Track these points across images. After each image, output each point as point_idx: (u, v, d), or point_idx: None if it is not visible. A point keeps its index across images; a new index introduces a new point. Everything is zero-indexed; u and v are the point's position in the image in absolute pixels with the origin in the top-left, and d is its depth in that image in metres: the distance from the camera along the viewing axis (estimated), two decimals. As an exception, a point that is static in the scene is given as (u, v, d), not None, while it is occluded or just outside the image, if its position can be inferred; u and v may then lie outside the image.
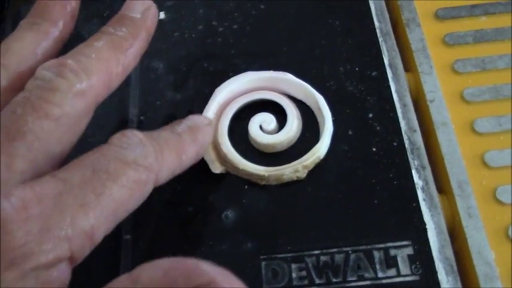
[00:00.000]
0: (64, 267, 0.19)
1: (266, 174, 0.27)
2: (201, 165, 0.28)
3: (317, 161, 0.28)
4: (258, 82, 0.31)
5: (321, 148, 0.28)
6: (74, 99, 0.21)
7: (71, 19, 0.25)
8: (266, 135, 0.29)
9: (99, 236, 0.20)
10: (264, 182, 0.28)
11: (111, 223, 0.20)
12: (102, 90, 0.23)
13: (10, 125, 0.20)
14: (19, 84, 0.22)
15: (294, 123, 0.29)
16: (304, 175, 0.28)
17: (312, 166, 0.28)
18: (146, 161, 0.21)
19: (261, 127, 0.29)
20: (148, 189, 0.21)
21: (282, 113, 0.30)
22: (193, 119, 0.25)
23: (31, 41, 0.23)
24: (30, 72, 0.22)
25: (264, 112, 0.30)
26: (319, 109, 0.29)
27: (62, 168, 0.20)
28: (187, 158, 0.23)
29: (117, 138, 0.21)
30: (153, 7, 0.25)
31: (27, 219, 0.18)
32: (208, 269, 0.18)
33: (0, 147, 0.20)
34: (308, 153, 0.28)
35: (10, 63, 0.22)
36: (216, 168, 0.28)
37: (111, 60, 0.23)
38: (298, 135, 0.29)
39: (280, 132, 0.29)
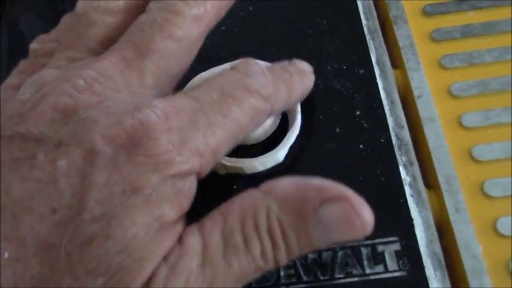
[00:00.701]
0: (193, 179, 0.21)
1: (229, 164, 0.27)
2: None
3: (275, 162, 0.28)
4: None
5: (280, 152, 0.28)
6: (193, 23, 0.23)
7: None
8: None
9: (221, 154, 0.21)
10: (224, 171, 0.28)
11: (230, 144, 0.22)
12: (214, 17, 0.24)
13: (140, 42, 0.22)
14: (140, 4, 0.24)
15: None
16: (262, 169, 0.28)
17: (269, 166, 0.28)
18: (266, 91, 0.22)
19: None
20: (264, 117, 0.23)
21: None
22: (300, 64, 0.26)
23: None
24: None
25: None
26: (294, 109, 0.29)
27: (194, 88, 0.22)
28: (295, 96, 0.25)
29: (242, 65, 0.23)
30: None
31: (169, 130, 0.19)
32: (339, 186, 0.20)
33: (132, 63, 0.21)
34: (267, 154, 0.28)
35: None
36: None
37: None
38: (274, 128, 0.29)
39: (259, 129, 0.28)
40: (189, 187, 0.20)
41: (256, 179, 0.28)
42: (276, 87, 0.23)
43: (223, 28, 0.34)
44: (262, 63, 0.24)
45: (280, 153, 0.28)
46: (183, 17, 0.22)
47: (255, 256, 0.19)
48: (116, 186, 0.18)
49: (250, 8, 0.35)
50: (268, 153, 0.28)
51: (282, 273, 0.26)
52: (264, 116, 0.23)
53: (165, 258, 0.19)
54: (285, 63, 0.26)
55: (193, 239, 0.19)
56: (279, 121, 0.30)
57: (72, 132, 0.19)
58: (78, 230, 0.18)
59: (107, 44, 0.23)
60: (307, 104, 0.30)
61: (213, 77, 0.22)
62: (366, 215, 0.19)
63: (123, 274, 0.18)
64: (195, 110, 0.20)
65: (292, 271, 0.26)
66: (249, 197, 0.20)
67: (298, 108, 0.29)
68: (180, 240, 0.20)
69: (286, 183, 0.20)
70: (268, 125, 0.29)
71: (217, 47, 0.33)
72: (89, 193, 0.18)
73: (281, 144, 0.28)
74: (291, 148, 0.29)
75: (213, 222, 0.20)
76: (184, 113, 0.20)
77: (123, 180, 0.18)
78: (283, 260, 0.19)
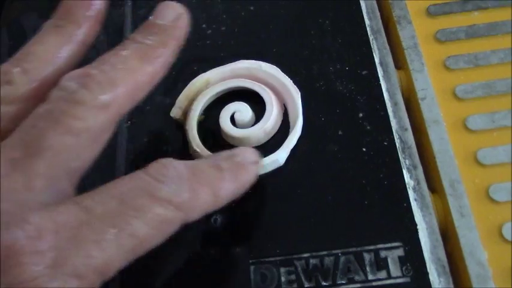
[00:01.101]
0: None
1: None
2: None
3: (276, 166, 0.28)
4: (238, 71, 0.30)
5: (281, 155, 0.27)
6: (97, 112, 0.20)
7: (96, 21, 0.23)
8: (236, 128, 0.28)
9: (112, 272, 0.19)
10: None
11: (126, 260, 0.19)
12: (127, 102, 0.21)
13: (30, 140, 0.19)
14: (41, 92, 0.21)
15: (272, 115, 0.28)
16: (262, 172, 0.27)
17: (269, 169, 0.27)
18: (179, 198, 0.20)
19: (234, 119, 0.28)
20: (173, 228, 0.20)
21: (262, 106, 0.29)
22: (243, 154, 0.23)
23: (54, 45, 0.22)
24: (53, 79, 0.21)
25: (238, 101, 0.29)
26: (294, 107, 0.28)
27: (87, 195, 0.19)
28: (222, 198, 0.22)
29: (155, 168, 0.20)
30: (185, 14, 0.24)
31: (39, 252, 0.17)
32: None
33: (18, 165, 0.19)
34: (268, 157, 0.27)
35: (32, 68, 0.21)
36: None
37: (137, 70, 0.21)
38: (275, 130, 0.29)
39: (255, 126, 0.28)
40: None
41: (257, 181, 0.28)
42: (194, 192, 0.20)
43: (223, 28, 0.34)
44: (182, 165, 0.21)
45: (280, 156, 0.27)
46: (85, 107, 0.20)
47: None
48: None
49: (252, 8, 0.34)
50: (269, 156, 0.27)
51: (283, 278, 0.25)
52: (174, 226, 0.20)
53: None
54: (221, 155, 0.23)
55: None
56: (280, 123, 0.29)
57: None
58: None
59: (2, 137, 0.20)
60: (309, 106, 0.30)
61: (116, 181, 0.20)
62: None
63: None
64: (82, 223, 0.18)
65: (293, 277, 0.25)
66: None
67: (300, 110, 0.28)
68: None
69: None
70: (270, 127, 0.28)
71: (218, 48, 0.33)
72: None
73: (282, 147, 0.28)
74: (293, 151, 0.28)
75: None
76: (65, 228, 0.18)
77: None
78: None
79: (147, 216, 0.19)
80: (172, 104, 0.30)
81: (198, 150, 0.28)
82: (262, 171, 0.27)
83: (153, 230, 0.19)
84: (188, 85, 0.30)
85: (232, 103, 0.29)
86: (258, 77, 0.30)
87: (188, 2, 0.33)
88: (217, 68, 0.30)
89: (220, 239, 0.26)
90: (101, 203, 0.19)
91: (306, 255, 0.26)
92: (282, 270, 0.25)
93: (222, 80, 0.30)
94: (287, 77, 0.30)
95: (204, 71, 0.32)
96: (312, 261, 0.25)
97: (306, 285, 0.25)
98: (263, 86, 0.29)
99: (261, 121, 0.28)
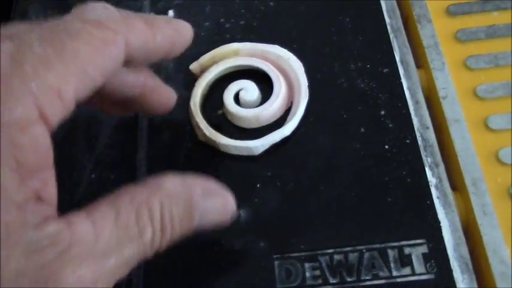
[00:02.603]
0: (37, 130, 0.18)
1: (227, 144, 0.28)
2: (212, 165, 0.28)
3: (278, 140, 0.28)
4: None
5: (284, 131, 0.28)
6: None
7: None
8: (239, 107, 0.29)
9: (69, 94, 0.19)
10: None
11: (80, 81, 0.19)
12: None
13: None
14: None
15: (278, 98, 0.29)
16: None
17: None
18: (111, 22, 0.20)
19: (238, 97, 0.29)
20: (117, 49, 0.20)
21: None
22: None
23: None
24: None
25: (245, 80, 0.30)
26: (298, 107, 0.29)
27: None
28: (161, 33, 0.22)
29: (80, 6, 0.21)
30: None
31: None
32: (217, 184, 0.23)
33: None
34: (273, 133, 0.28)
35: None
36: (199, 136, 0.29)
37: None
38: (280, 114, 0.29)
39: (259, 107, 0.29)
40: (34, 138, 0.18)
41: (281, 177, 0.28)
42: (126, 19, 0.21)
43: (242, 22, 0.34)
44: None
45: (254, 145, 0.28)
46: None
47: (145, 242, 0.20)
48: None
49: (271, 4, 0.34)
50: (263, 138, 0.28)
51: (307, 274, 0.25)
52: (117, 47, 0.20)
53: (54, 242, 0.18)
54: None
55: (84, 228, 0.19)
56: (278, 116, 0.29)
57: None
58: None
59: None
60: (332, 103, 0.30)
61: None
62: (234, 207, 0.23)
63: None
64: (18, 50, 0.18)
65: (318, 272, 0.25)
66: (139, 192, 0.20)
67: (301, 113, 0.29)
68: (69, 226, 0.18)
69: (173, 181, 0.21)
70: (276, 108, 0.29)
71: (237, 42, 0.33)
72: None
73: (288, 121, 0.29)
74: (316, 148, 0.28)
75: (104, 214, 0.19)
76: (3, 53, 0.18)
77: None
78: (165, 244, 0.21)
79: (83, 35, 0.19)
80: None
81: (192, 109, 0.29)
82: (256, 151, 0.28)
83: (92, 47, 0.19)
84: (218, 48, 0.31)
85: (241, 80, 0.30)
86: (280, 67, 0.30)
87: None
88: (250, 43, 0.31)
89: (244, 234, 0.26)
90: (34, 33, 0.19)
91: (330, 251, 0.26)
92: (307, 265, 0.25)
93: (249, 56, 0.31)
94: (306, 79, 0.30)
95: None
96: (337, 257, 0.26)
97: (330, 281, 0.25)
98: (280, 76, 0.30)
99: (260, 106, 0.29)
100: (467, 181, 0.27)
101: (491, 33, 0.32)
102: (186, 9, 0.34)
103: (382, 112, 0.29)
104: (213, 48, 0.32)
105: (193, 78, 0.31)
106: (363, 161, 0.28)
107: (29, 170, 0.18)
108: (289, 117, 0.29)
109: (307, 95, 0.29)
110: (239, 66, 0.31)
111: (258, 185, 0.28)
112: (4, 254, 0.17)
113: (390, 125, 0.29)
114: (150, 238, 0.20)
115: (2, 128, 0.17)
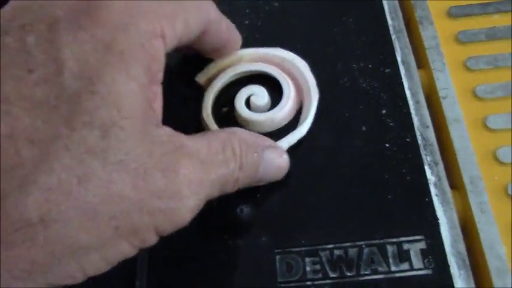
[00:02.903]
0: (160, 44, 0.22)
1: None
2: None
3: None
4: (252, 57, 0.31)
5: (302, 130, 0.29)
6: None
7: None
8: (252, 112, 0.29)
9: (177, 30, 0.22)
10: None
11: (184, 29, 0.23)
12: None
13: None
14: None
15: (289, 99, 0.29)
16: None
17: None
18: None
19: (249, 102, 0.29)
20: (207, 19, 0.25)
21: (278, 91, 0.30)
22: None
23: None
24: None
25: (254, 85, 0.30)
26: (309, 107, 0.29)
27: None
28: (229, 34, 0.29)
29: None
30: None
31: None
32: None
33: None
34: (292, 134, 0.29)
35: None
36: None
37: None
38: (292, 116, 0.30)
39: (272, 110, 0.29)
40: (157, 50, 0.21)
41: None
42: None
43: (246, 22, 0.34)
44: None
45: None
46: None
47: (229, 173, 0.23)
48: (86, 44, 0.20)
49: (276, 4, 0.35)
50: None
51: (308, 268, 0.26)
52: (208, 17, 0.25)
53: (171, 139, 0.21)
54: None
55: (189, 141, 0.22)
56: (291, 118, 0.30)
57: (34, 13, 0.20)
58: (61, 86, 0.19)
59: None
60: (334, 102, 0.30)
61: None
62: (288, 164, 0.27)
63: (115, 130, 0.19)
64: None
65: (318, 266, 0.26)
66: (221, 132, 0.25)
67: (313, 112, 0.29)
68: (178, 135, 0.22)
69: (244, 131, 0.26)
70: (280, 117, 0.29)
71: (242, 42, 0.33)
72: (61, 52, 0.19)
73: (281, 140, 0.29)
74: (318, 145, 0.29)
75: (200, 140, 0.23)
76: None
77: (92, 38, 0.20)
78: (242, 181, 0.24)
79: None
80: (197, 99, 0.31)
81: (205, 120, 0.29)
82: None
83: None
84: (223, 58, 0.31)
85: (251, 85, 0.30)
86: (285, 68, 0.30)
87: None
88: (253, 48, 0.31)
89: (246, 229, 0.27)
90: None
91: (330, 246, 0.26)
92: (307, 260, 0.26)
93: (254, 61, 0.31)
94: (313, 77, 0.30)
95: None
96: (337, 252, 0.26)
97: (330, 275, 0.26)
98: (288, 78, 0.30)
99: (273, 109, 0.29)
100: (466, 179, 0.28)
101: (492, 35, 0.32)
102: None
103: (384, 111, 0.30)
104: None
105: (197, 89, 0.31)
106: (363, 159, 0.29)
107: (152, 77, 0.21)
108: (302, 116, 0.30)
109: (317, 92, 0.30)
110: (246, 72, 0.31)
111: (261, 181, 0.28)
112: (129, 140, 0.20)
113: (391, 124, 0.30)
114: (233, 170, 0.23)
115: (136, 35, 0.20)
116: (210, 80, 0.31)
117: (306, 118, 0.29)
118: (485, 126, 0.29)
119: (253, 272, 0.26)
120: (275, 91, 0.30)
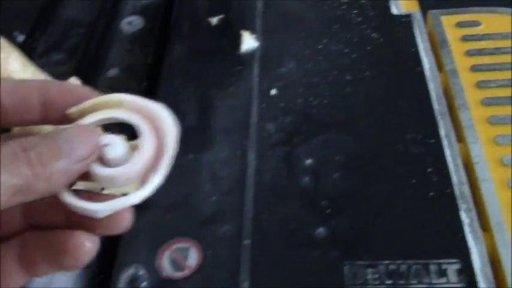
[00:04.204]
0: None
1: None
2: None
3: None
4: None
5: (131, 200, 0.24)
6: None
7: None
8: (102, 167, 0.24)
9: None
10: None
11: None
12: None
13: None
14: None
15: (145, 156, 0.25)
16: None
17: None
18: None
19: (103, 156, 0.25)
20: None
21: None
22: None
23: None
24: None
25: (113, 134, 0.25)
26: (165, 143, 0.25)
27: None
28: None
29: None
30: None
31: None
32: None
33: None
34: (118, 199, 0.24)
35: None
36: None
37: None
38: (146, 170, 0.25)
39: (125, 165, 0.25)
40: None
41: (349, 201, 0.38)
42: None
43: (325, 102, 0.45)
44: None
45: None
46: None
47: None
48: None
49: (348, 90, 0.46)
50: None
51: (369, 276, 0.35)
52: None
53: None
54: None
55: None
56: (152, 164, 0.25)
57: None
58: None
59: None
60: (391, 162, 0.40)
61: None
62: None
63: None
64: None
65: (377, 275, 0.35)
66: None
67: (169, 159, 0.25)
68: None
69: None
70: (138, 168, 0.25)
71: (322, 116, 0.44)
72: None
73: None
74: (377, 188, 0.39)
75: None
76: None
77: None
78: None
79: None
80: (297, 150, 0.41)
81: None
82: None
83: None
84: (103, 96, 0.26)
85: (108, 134, 0.25)
86: (157, 127, 0.26)
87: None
88: (136, 97, 0.26)
89: (322, 246, 0.36)
90: None
91: (386, 262, 0.35)
92: (369, 270, 0.35)
93: (133, 109, 0.26)
94: (173, 149, 0.25)
95: (310, 131, 0.43)
96: (391, 266, 0.35)
97: (386, 282, 0.34)
98: (154, 137, 0.26)
99: (125, 165, 0.25)
100: (493, 223, 0.37)
101: (519, 119, 0.42)
102: (284, 89, 0.47)
103: (429, 170, 0.40)
104: (304, 118, 0.44)
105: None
106: (415, 203, 0.38)
107: None
108: (145, 184, 0.25)
109: (165, 170, 0.25)
110: (112, 119, 0.26)
111: (329, 210, 0.38)
112: None
113: (434, 179, 0.39)
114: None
115: None
116: (81, 116, 0.26)
117: (144, 187, 0.25)
118: (509, 187, 0.38)
119: (327, 277, 0.35)
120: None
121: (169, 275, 0.36)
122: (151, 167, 0.25)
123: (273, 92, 0.46)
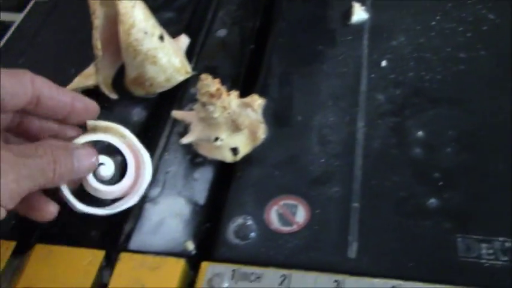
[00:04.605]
0: None
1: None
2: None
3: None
4: None
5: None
6: None
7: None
8: (99, 183, 0.36)
9: None
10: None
11: None
12: None
13: None
14: None
15: (131, 176, 0.38)
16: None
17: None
18: None
19: (98, 172, 0.36)
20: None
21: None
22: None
23: None
24: None
25: (104, 156, 0.37)
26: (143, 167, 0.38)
27: None
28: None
29: None
30: None
31: None
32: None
33: None
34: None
35: None
36: None
37: None
38: (129, 187, 0.38)
39: (118, 184, 0.37)
40: None
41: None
42: None
43: (439, 77, 0.44)
44: None
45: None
46: None
47: (45, 162, 0.31)
48: None
49: (462, 67, 0.45)
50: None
51: (483, 251, 0.34)
52: None
53: None
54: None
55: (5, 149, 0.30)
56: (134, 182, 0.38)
57: None
58: None
59: None
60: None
61: None
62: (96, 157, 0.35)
63: None
64: None
65: (491, 251, 0.34)
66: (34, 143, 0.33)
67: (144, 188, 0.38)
68: None
69: (54, 140, 0.34)
70: (126, 187, 0.38)
71: (433, 90, 0.43)
72: None
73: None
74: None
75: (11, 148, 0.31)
76: None
77: None
78: (60, 171, 0.32)
79: None
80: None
81: None
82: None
83: None
84: (112, 123, 0.38)
85: (102, 156, 0.36)
86: (138, 159, 0.38)
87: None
88: (135, 137, 0.38)
89: (434, 216, 0.36)
90: None
91: (501, 239, 0.34)
92: (483, 245, 0.34)
93: (125, 143, 0.38)
94: (150, 175, 0.38)
95: (422, 103, 0.42)
96: (507, 244, 0.34)
97: (501, 259, 0.33)
98: (131, 154, 0.38)
99: (117, 184, 0.37)
100: None
101: None
102: (395, 61, 0.46)
103: None
104: (413, 92, 0.43)
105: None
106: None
107: None
108: (135, 188, 0.38)
109: (151, 168, 0.38)
110: (111, 143, 0.38)
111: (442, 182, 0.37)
112: None
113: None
114: (47, 162, 0.31)
115: None
116: (93, 130, 0.37)
117: (138, 191, 0.37)
118: None
119: (439, 249, 0.34)
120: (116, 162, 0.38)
121: (278, 228, 0.36)
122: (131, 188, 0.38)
123: (383, 63, 0.46)
